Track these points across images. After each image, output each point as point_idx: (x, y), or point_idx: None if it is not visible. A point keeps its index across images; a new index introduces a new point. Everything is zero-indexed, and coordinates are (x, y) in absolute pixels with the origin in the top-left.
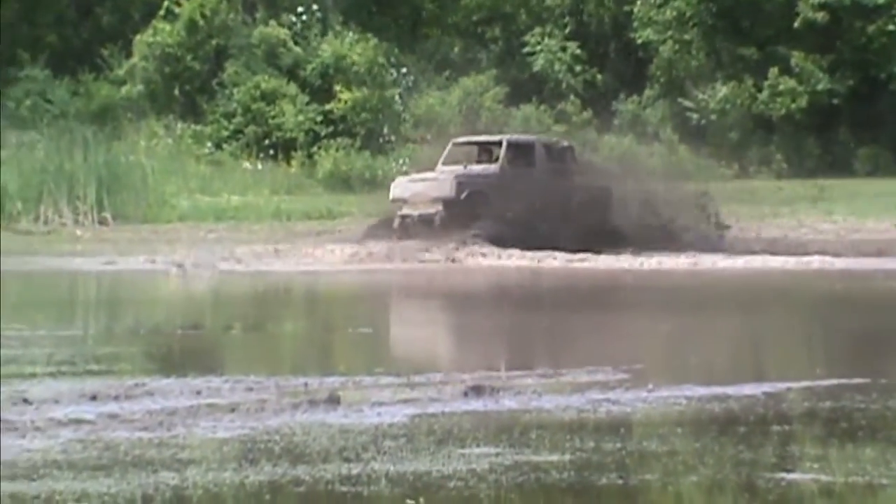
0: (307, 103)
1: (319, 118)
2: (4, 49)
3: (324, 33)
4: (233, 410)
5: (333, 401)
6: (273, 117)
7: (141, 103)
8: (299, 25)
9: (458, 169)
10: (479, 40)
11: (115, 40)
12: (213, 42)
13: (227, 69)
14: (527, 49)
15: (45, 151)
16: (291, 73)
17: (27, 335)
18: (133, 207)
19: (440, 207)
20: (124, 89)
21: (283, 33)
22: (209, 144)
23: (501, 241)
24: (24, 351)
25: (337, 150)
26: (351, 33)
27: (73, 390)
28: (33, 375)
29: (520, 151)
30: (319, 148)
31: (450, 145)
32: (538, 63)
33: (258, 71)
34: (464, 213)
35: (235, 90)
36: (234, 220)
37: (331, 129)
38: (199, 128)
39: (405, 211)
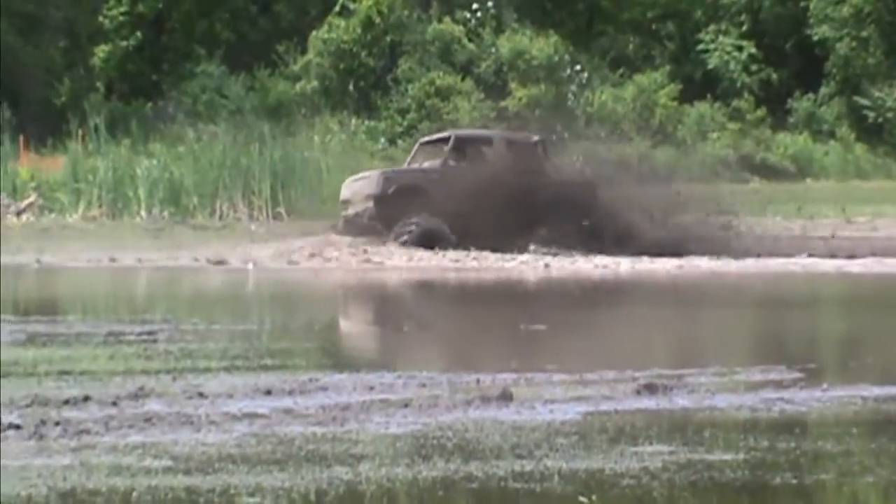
0: (481, 100)
1: (493, 114)
2: (181, 45)
3: (498, 30)
4: (406, 406)
5: (506, 397)
6: (447, 113)
7: (315, 99)
8: (473, 22)
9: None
10: (653, 37)
11: (290, 36)
12: (388, 38)
13: (401, 65)
14: (701, 46)
15: (222, 147)
16: (465, 70)
17: (202, 329)
18: (307, 203)
19: (370, 205)
20: (299, 85)
21: (458, 30)
22: (383, 140)
23: (436, 241)
24: (200, 345)
25: None
26: (528, 30)
27: (248, 385)
28: (208, 370)
29: (472, 147)
30: None
31: (417, 145)
32: (713, 60)
33: (432, 67)
34: (396, 211)
35: (410, 86)
36: None
37: (504, 125)
38: (372, 123)
39: (348, 211)
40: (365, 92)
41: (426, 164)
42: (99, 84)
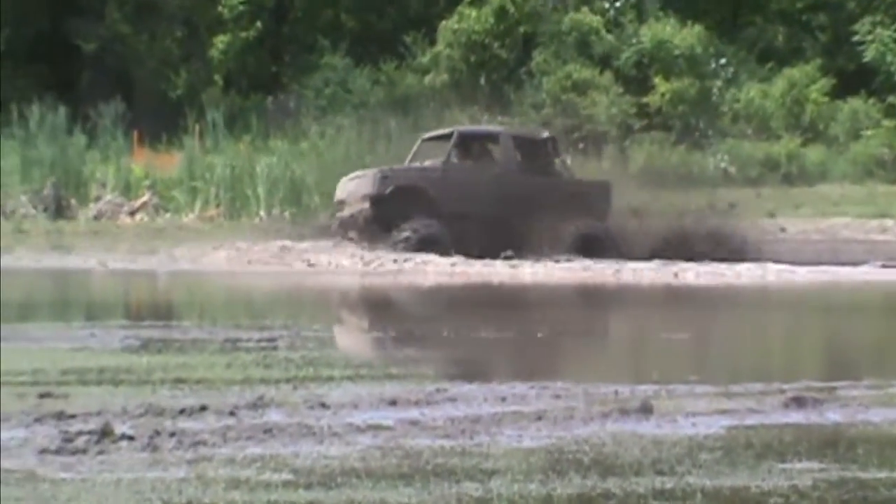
0: (621, 94)
1: (634, 110)
2: (304, 35)
3: (640, 20)
4: (539, 418)
5: (646, 410)
6: (584, 109)
7: (444, 93)
8: (613, 12)
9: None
10: (804, 28)
11: (418, 27)
12: (522, 29)
13: (535, 58)
14: (856, 38)
15: (346, 143)
16: (604, 63)
17: (324, 336)
18: None
19: (366, 206)
20: (427, 78)
21: (596, 20)
22: None
23: (438, 244)
24: (322, 353)
25: (651, 144)
26: (672, 20)
27: (372, 394)
28: (331, 378)
29: (477, 143)
30: (632, 142)
31: (419, 141)
32: (869, 53)
33: (569, 60)
34: (394, 213)
35: (544, 80)
36: None
37: (645, 121)
38: (505, 119)
39: (343, 212)
40: (497, 86)
41: (427, 163)
42: (217, 77)
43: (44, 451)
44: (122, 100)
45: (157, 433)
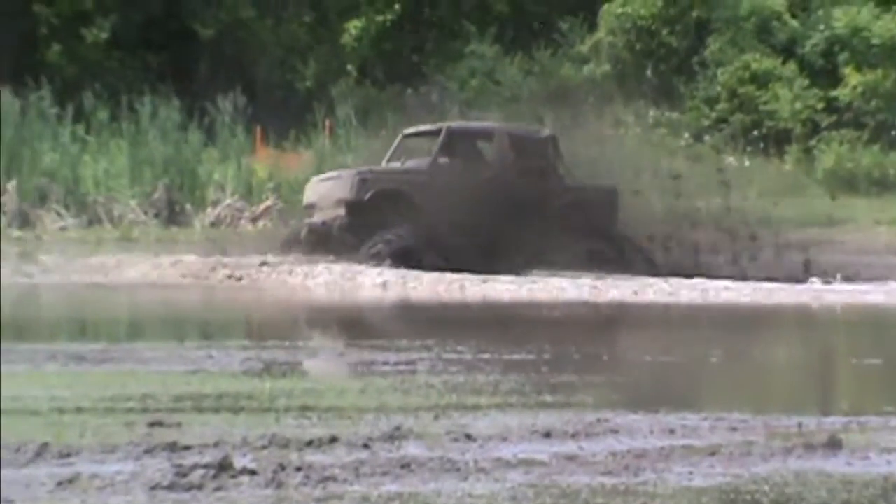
0: (806, 87)
1: (821, 105)
2: (448, 20)
3: (831, 2)
4: (713, 454)
5: (834, 445)
6: (765, 103)
7: (606, 85)
8: None
9: (385, 164)
10: None
11: (576, 11)
12: (694, 14)
13: (709, 46)
14: None
15: None
16: (787, 52)
17: (468, 359)
18: None
19: (341, 212)
20: (587, 68)
21: (779, 4)
22: (686, 135)
23: (414, 257)
24: (467, 377)
25: (841, 143)
26: (870, 4)
27: (523, 425)
28: (477, 407)
29: (467, 142)
30: (819, 141)
31: (399, 137)
32: None
33: (747, 48)
34: (373, 221)
35: (719, 71)
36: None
37: (834, 118)
38: (674, 115)
39: (314, 218)
40: (666, 77)
41: (411, 163)
42: (350, 66)
43: (155, 486)
44: (242, 92)
45: (282, 467)
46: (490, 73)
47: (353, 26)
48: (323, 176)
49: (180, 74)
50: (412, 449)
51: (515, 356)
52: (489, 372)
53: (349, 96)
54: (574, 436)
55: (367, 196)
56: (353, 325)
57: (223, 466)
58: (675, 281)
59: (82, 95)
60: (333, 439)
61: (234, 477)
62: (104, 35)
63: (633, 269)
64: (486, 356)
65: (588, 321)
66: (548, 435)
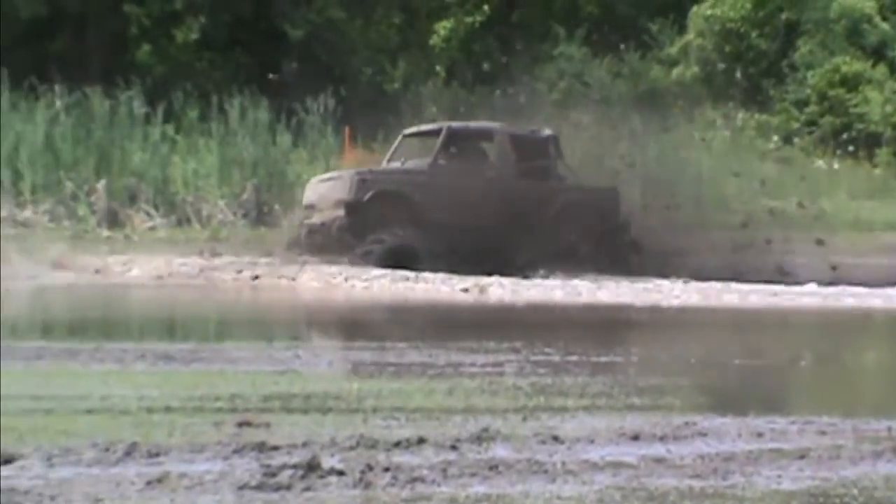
0: None
1: None
2: (537, 21)
3: None
4: (802, 457)
5: None
6: (855, 106)
7: (695, 87)
8: None
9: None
10: None
11: (666, 13)
12: (784, 16)
13: (799, 48)
14: None
15: (584, 142)
16: (878, 54)
17: (557, 361)
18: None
19: (341, 213)
20: (676, 71)
21: (869, 6)
22: (776, 138)
23: (408, 257)
24: (554, 379)
25: None
26: None
27: (611, 428)
28: (564, 409)
29: (468, 142)
30: None
31: (399, 137)
32: None
33: (837, 51)
34: (373, 222)
35: (809, 74)
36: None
37: None
38: (764, 118)
39: (313, 219)
40: (755, 80)
41: (411, 164)
42: (439, 67)
43: (243, 486)
44: (332, 93)
45: (370, 468)
46: (579, 75)
47: (442, 27)
48: (323, 176)
49: (269, 75)
50: (500, 450)
51: (603, 358)
52: (577, 374)
53: (438, 97)
54: (662, 438)
55: (367, 196)
56: (439, 326)
57: (311, 467)
58: (746, 287)
59: (172, 96)
60: (421, 440)
61: (321, 477)
62: (194, 35)
63: (643, 272)
64: (574, 358)
65: (668, 324)
66: (636, 437)
